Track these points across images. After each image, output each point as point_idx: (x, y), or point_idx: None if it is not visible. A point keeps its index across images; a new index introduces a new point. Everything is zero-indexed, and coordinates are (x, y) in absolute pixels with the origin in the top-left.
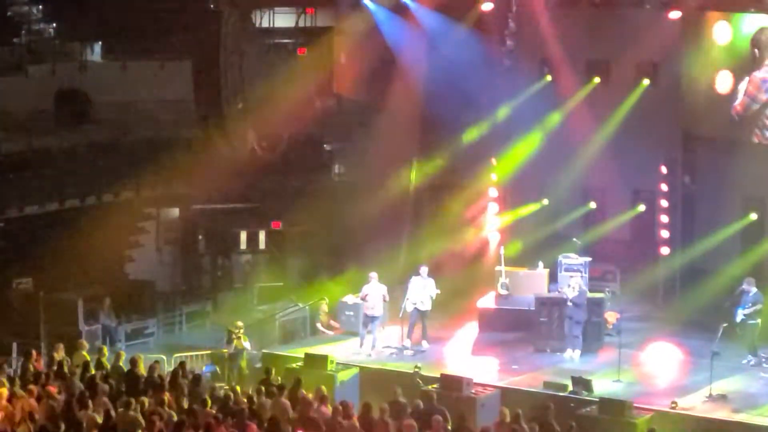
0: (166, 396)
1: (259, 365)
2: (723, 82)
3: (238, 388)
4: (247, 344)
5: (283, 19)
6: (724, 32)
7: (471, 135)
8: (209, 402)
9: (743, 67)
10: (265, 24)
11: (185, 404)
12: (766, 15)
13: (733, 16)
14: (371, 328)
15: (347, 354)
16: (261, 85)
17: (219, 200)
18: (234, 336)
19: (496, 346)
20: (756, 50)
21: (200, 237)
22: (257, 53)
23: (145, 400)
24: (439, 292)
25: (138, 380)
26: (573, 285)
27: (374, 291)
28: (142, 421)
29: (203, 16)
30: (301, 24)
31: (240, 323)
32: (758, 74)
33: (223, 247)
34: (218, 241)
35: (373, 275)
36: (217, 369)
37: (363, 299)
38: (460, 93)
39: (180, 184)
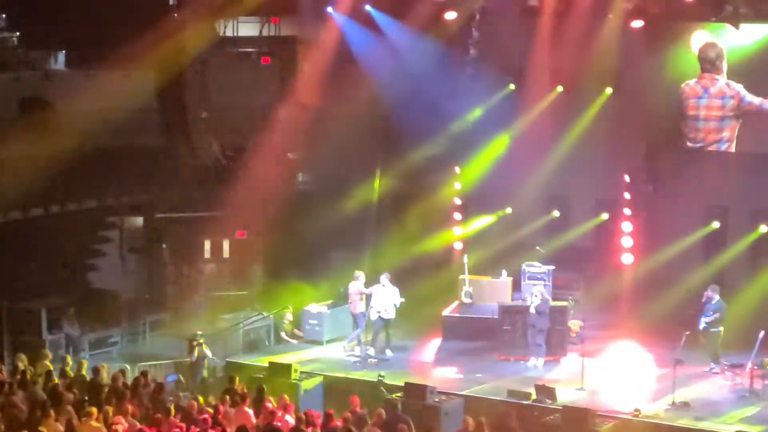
0: (129, 405)
1: (222, 374)
2: None
3: (200, 397)
4: (208, 352)
5: (247, 28)
6: (687, 41)
7: (430, 150)
8: (173, 411)
9: None
10: (229, 33)
11: (148, 413)
12: (727, 24)
13: (698, 26)
14: (356, 327)
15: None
16: (225, 94)
17: (183, 209)
18: (195, 344)
19: (460, 355)
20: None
21: (164, 246)
22: (221, 62)
23: (109, 409)
24: (403, 300)
25: (100, 389)
26: (536, 293)
27: (352, 289)
28: (105, 431)
29: (167, 26)
30: (265, 33)
31: (200, 332)
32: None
33: (187, 255)
34: (182, 249)
35: (357, 274)
36: (181, 378)
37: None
38: (424, 102)
39: (144, 192)
